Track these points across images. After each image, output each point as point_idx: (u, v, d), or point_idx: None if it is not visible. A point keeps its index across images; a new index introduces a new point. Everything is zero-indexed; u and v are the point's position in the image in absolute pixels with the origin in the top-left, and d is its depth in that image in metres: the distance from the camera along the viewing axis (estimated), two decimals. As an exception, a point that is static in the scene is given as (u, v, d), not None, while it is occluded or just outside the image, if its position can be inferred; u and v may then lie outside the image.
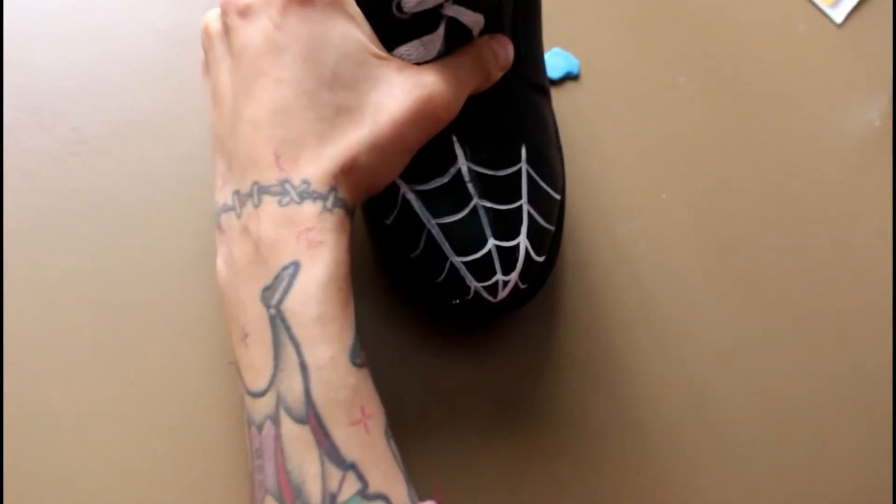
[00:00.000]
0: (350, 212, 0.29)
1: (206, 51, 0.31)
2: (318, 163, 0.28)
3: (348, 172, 0.28)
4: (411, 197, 0.34)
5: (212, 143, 0.31)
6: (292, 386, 0.26)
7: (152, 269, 0.37)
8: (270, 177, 0.28)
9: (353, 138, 0.28)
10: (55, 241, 0.37)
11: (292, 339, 0.26)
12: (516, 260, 0.33)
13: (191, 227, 0.38)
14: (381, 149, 0.29)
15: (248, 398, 0.27)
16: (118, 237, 0.37)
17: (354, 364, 0.26)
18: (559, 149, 0.38)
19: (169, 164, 0.39)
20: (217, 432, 0.35)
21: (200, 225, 0.37)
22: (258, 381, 0.26)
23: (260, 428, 0.26)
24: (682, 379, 0.39)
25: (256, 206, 0.27)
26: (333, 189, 0.28)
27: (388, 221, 0.35)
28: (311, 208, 0.27)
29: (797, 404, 0.39)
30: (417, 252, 0.34)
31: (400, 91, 0.29)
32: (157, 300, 0.36)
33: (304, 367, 0.26)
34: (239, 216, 0.28)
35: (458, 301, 0.34)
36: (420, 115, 0.29)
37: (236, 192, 0.28)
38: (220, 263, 0.29)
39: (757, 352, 0.40)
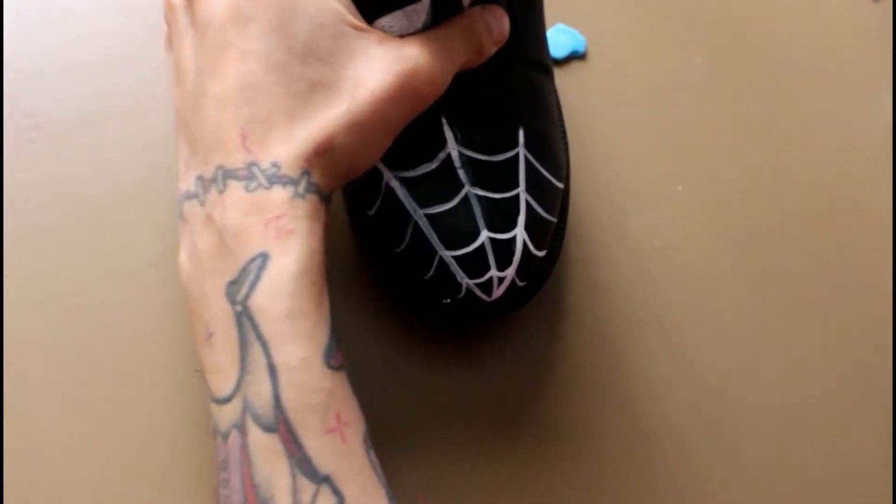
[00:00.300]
0: (325, 198, 0.28)
1: (169, 24, 0.30)
2: (289, 144, 0.27)
3: (323, 154, 0.27)
4: (395, 185, 0.33)
5: (175, 124, 0.30)
6: (260, 390, 0.25)
7: (114, 267, 0.36)
8: (236, 159, 0.27)
9: (328, 116, 0.28)
10: (6, 236, 0.36)
11: (260, 337, 0.25)
12: (513, 254, 0.32)
13: (157, 220, 0.37)
14: (359, 128, 0.28)
15: (213, 405, 0.26)
16: (76, 232, 0.37)
17: (329, 366, 0.26)
18: (563, 133, 0.38)
19: (134, 152, 0.39)
20: (182, 447, 0.34)
21: (168, 218, 0.37)
22: (223, 385, 0.26)
23: (225, 437, 0.26)
24: (697, 389, 0.38)
25: (221, 192, 0.27)
26: (306, 173, 0.27)
27: (371, 212, 0.34)
28: (280, 194, 0.27)
29: (819, 414, 0.38)
30: (403, 246, 0.33)
31: (380, 65, 0.28)
32: (119, 302, 0.36)
33: (272, 369, 0.25)
34: (202, 203, 0.27)
35: (448, 300, 0.33)
36: (402, 90, 0.28)
37: (200, 178, 0.28)
38: (183, 256, 0.28)
39: (779, 359, 0.39)
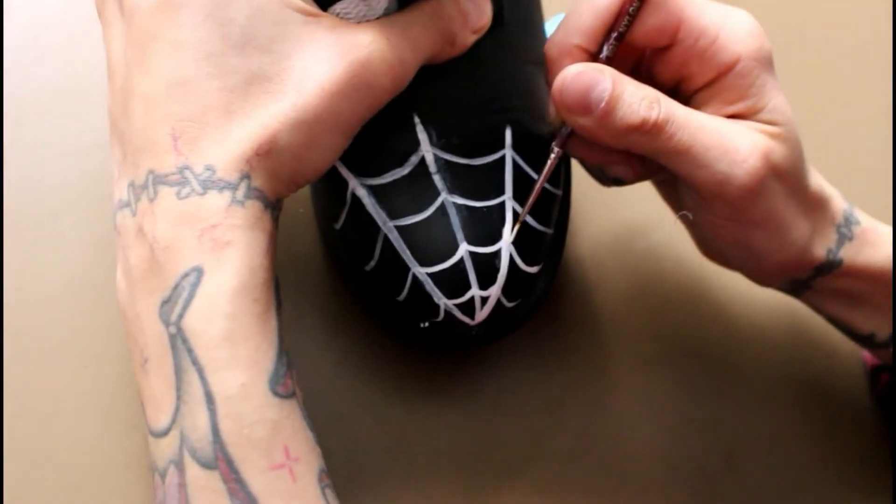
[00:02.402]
0: (271, 205, 0.28)
1: (99, 13, 0.30)
2: (226, 144, 0.27)
3: (265, 155, 0.27)
4: (362, 193, 0.32)
5: (109, 125, 0.30)
6: (197, 422, 0.25)
7: (46, 288, 0.36)
8: (167, 163, 0.27)
9: (270, 113, 0.27)
10: None
11: (195, 362, 0.25)
12: (497, 270, 0.32)
13: (97, 234, 0.37)
14: (306, 126, 0.28)
15: (150, 440, 0.27)
16: (2, 248, 0.36)
17: (275, 394, 0.26)
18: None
19: (69, 156, 0.38)
20: (117, 488, 0.33)
21: (108, 232, 0.36)
22: (159, 417, 0.26)
23: (163, 475, 0.26)
24: (719, 433, 0.37)
25: (152, 200, 0.27)
26: (246, 176, 0.27)
27: (337, 225, 0.33)
28: (216, 200, 0.26)
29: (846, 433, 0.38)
30: (372, 263, 0.33)
31: (330, 54, 0.28)
32: (50, 328, 0.35)
33: (209, 398, 0.25)
34: (134, 213, 0.27)
35: (426, 324, 0.33)
36: (354, 83, 0.28)
37: (131, 184, 0.28)
38: (119, 274, 0.28)
39: (803, 392, 0.39)
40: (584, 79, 0.30)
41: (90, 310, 0.36)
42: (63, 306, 0.36)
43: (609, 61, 0.31)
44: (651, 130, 0.30)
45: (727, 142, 0.30)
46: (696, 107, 0.31)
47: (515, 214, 0.32)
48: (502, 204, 0.32)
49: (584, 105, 0.30)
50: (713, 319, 0.39)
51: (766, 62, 0.31)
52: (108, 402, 0.35)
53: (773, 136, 0.30)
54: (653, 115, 0.29)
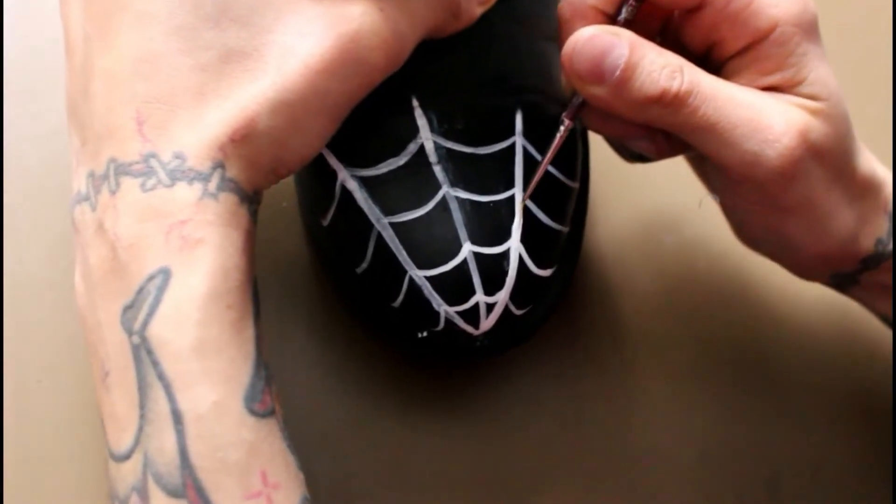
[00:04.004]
0: (248, 198, 0.28)
1: None
2: (197, 129, 0.27)
3: (241, 142, 0.27)
4: (353, 186, 0.32)
5: (66, 109, 0.30)
6: (163, 444, 0.25)
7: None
8: (131, 150, 0.26)
9: (248, 93, 0.27)
10: None
11: (161, 377, 0.25)
12: (505, 273, 0.32)
13: (57, 230, 0.37)
14: (288, 107, 0.27)
15: (110, 463, 0.26)
16: None
17: (252, 412, 0.26)
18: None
19: (27, 143, 0.38)
20: None
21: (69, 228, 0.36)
22: (121, 437, 0.26)
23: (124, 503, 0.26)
24: (757, 456, 0.37)
25: (113, 193, 0.26)
26: (219, 165, 0.27)
27: (325, 222, 0.33)
28: (186, 193, 0.26)
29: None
30: (364, 264, 0.32)
31: (315, 27, 0.28)
32: (6, 332, 0.35)
33: (177, 417, 0.25)
34: (94, 208, 0.27)
35: (424, 333, 0.33)
36: (343, 59, 0.28)
37: (91, 175, 0.28)
38: (77, 276, 0.28)
39: (866, 418, 0.38)
40: (598, 43, 0.29)
41: (46, 316, 0.36)
42: (15, 311, 0.36)
43: (628, 24, 0.30)
44: (672, 103, 0.29)
45: (759, 118, 0.29)
46: (728, 77, 0.30)
47: (526, 210, 0.32)
48: (511, 199, 0.32)
49: (597, 73, 0.29)
50: (752, 326, 0.39)
51: (809, 28, 0.30)
52: (64, 421, 0.35)
53: (813, 112, 0.29)
54: (674, 85, 0.29)
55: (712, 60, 0.31)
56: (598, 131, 0.33)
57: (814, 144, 0.29)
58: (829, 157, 0.30)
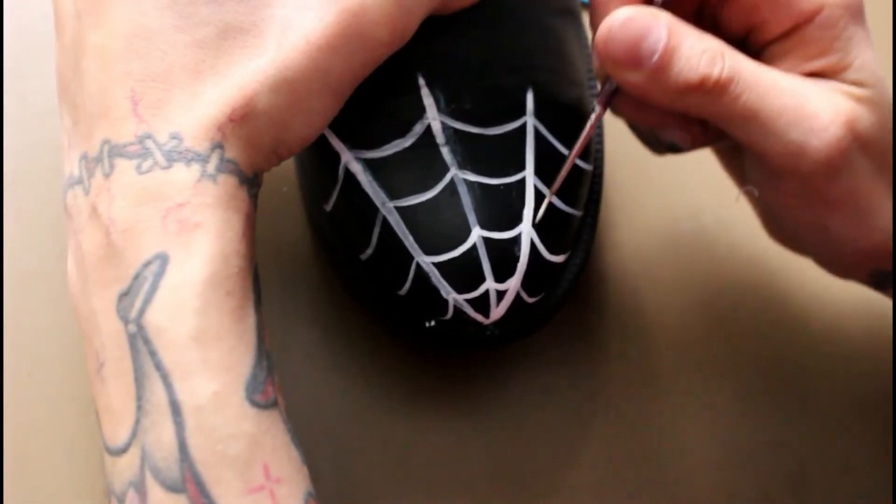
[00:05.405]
0: (248, 181, 0.28)
1: None
2: (195, 108, 0.27)
3: (241, 121, 0.27)
4: (357, 168, 0.32)
5: (56, 88, 0.30)
6: (161, 436, 0.25)
7: None
8: (126, 131, 0.27)
9: (246, 71, 0.27)
10: None
11: (159, 367, 0.25)
12: (516, 259, 0.32)
13: (49, 215, 0.37)
14: (289, 85, 0.27)
15: (106, 458, 0.26)
16: None
17: (253, 403, 0.26)
18: (593, 96, 0.36)
19: (17, 126, 0.38)
20: None
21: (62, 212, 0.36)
22: (117, 431, 0.26)
23: (121, 499, 0.26)
24: (782, 455, 0.38)
25: (107, 176, 0.27)
26: (218, 146, 0.27)
27: (328, 207, 0.33)
28: (183, 175, 0.26)
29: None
30: (369, 250, 0.33)
31: (317, 1, 0.28)
32: None
33: (176, 408, 0.25)
34: (87, 191, 0.27)
35: (432, 323, 0.33)
36: (347, 35, 0.28)
37: (84, 157, 0.28)
38: (71, 263, 0.28)
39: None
40: (635, 26, 0.29)
41: (37, 306, 0.36)
42: (4, 301, 0.35)
43: (665, 5, 0.30)
44: (713, 90, 0.28)
45: (804, 106, 0.28)
46: (769, 62, 0.30)
47: (538, 193, 0.32)
48: (522, 181, 0.32)
49: (634, 57, 0.29)
50: (777, 319, 0.39)
51: (856, 11, 0.30)
52: (56, 415, 0.35)
53: (859, 100, 0.29)
54: (715, 71, 0.28)
55: (751, 44, 0.31)
56: (630, 119, 0.33)
57: (861, 134, 0.29)
58: (875, 147, 0.30)
